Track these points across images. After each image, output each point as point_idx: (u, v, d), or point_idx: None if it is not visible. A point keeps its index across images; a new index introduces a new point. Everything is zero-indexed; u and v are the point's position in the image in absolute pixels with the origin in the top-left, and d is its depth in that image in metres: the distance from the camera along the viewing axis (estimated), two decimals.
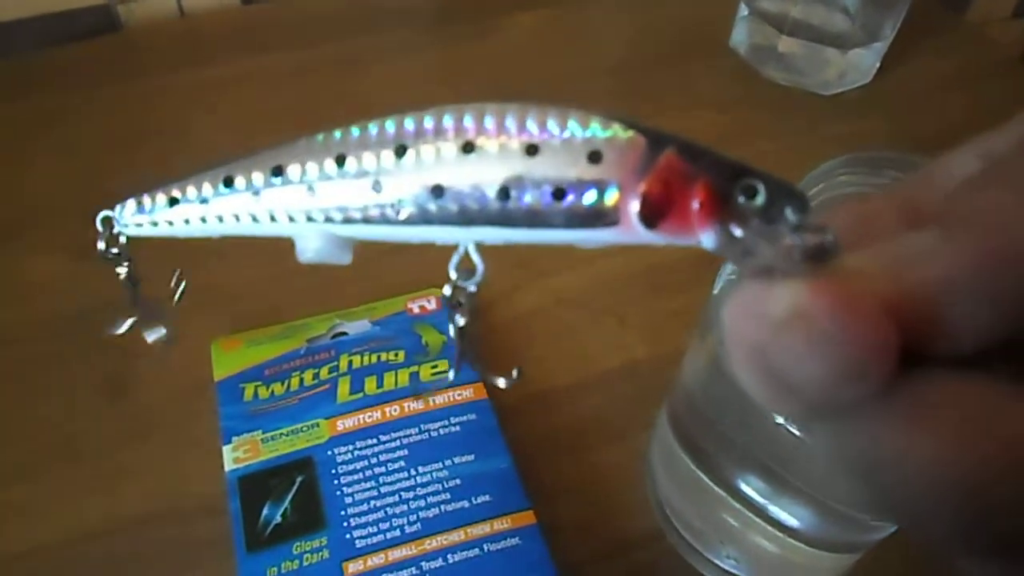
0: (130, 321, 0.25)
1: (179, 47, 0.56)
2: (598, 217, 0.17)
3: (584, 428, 0.38)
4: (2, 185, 0.47)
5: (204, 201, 0.21)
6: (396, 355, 0.38)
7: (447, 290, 0.19)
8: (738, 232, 0.16)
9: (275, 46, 0.55)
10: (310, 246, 0.20)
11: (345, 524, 0.33)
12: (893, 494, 0.14)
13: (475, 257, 0.18)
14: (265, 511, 0.33)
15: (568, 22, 0.60)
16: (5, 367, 0.39)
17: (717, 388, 0.30)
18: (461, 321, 0.21)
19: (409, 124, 0.18)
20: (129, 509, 0.35)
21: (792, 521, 0.30)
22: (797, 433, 0.26)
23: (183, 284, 0.26)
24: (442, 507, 0.33)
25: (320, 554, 0.32)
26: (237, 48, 0.55)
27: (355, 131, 0.19)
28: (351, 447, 0.35)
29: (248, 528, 0.32)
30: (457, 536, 0.32)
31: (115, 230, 0.22)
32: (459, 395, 0.37)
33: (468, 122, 0.17)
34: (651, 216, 0.16)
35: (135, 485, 0.35)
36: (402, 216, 0.18)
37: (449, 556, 0.32)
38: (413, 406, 0.36)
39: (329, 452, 0.35)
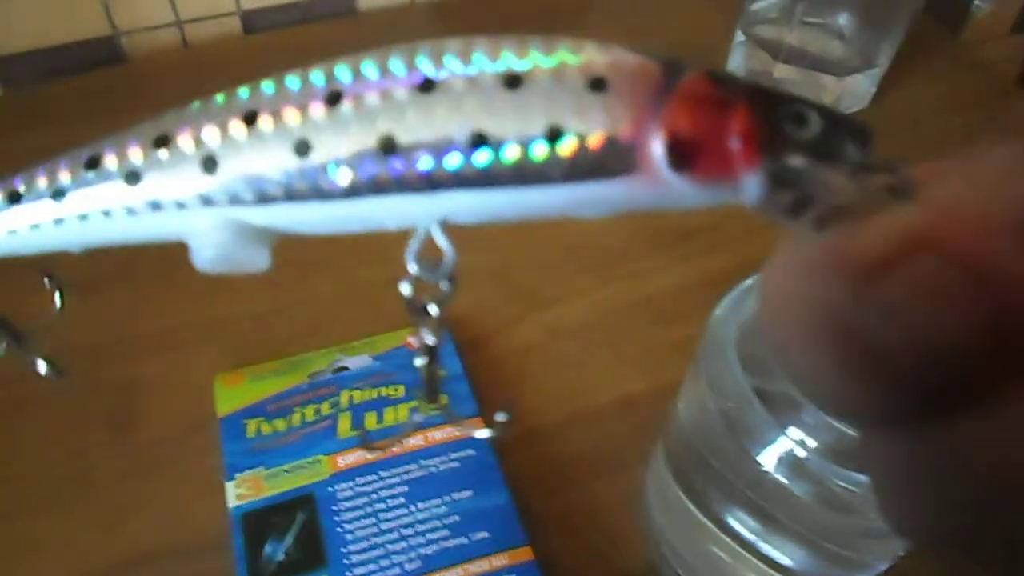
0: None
1: (182, 78, 0.56)
2: (609, 162, 0.12)
3: (581, 462, 0.38)
4: None
5: (59, 194, 0.15)
6: (396, 390, 0.39)
7: (405, 288, 0.14)
8: (797, 162, 0.12)
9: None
10: (208, 242, 0.14)
11: (346, 561, 0.33)
12: (983, 512, 0.10)
13: (440, 240, 0.14)
14: (267, 549, 0.33)
15: None
16: (8, 404, 0.39)
17: (708, 424, 0.31)
18: (430, 339, 0.16)
19: (343, 72, 0.14)
20: (133, 545, 0.35)
21: (784, 559, 0.30)
22: (784, 481, 0.26)
23: (59, 292, 0.21)
24: (441, 543, 0.34)
25: None
26: (240, 78, 0.55)
27: (268, 86, 0.14)
28: (352, 483, 0.35)
29: (251, 566, 0.33)
30: (456, 573, 0.33)
31: None
32: (457, 431, 0.37)
33: (423, 62, 0.13)
34: (680, 153, 0.12)
35: (139, 521, 0.36)
36: (340, 183, 0.13)
37: None
38: (413, 442, 0.37)
39: (330, 488, 0.35)
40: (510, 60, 0.13)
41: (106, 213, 0.15)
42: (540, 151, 0.12)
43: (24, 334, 0.19)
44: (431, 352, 0.16)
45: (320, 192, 0.14)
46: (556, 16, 0.63)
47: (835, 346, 0.10)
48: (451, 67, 0.13)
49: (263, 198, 0.14)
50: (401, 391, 0.39)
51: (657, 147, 0.12)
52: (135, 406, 0.39)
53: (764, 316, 0.11)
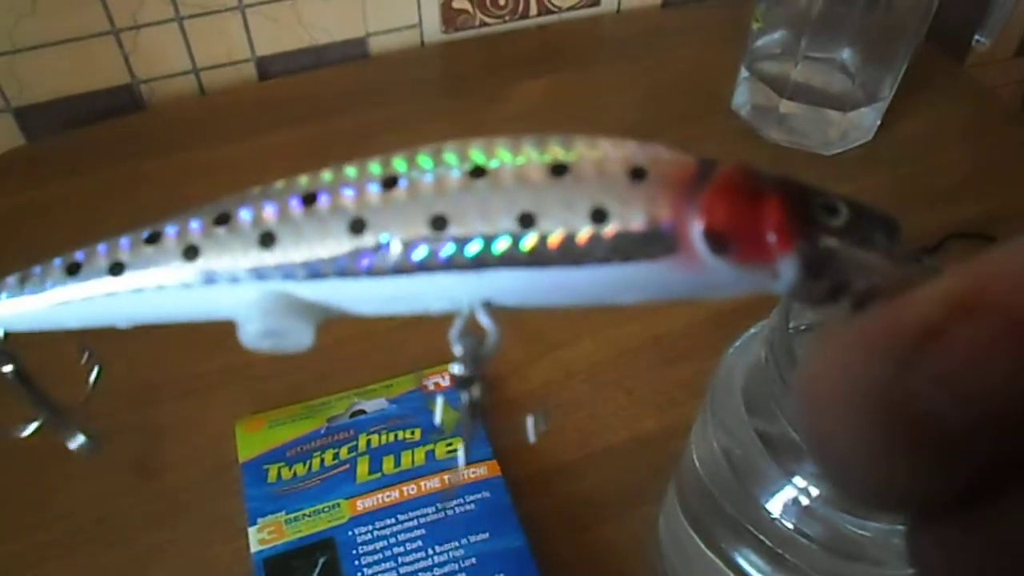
0: (35, 424, 0.21)
1: (200, 125, 0.58)
2: (651, 244, 0.13)
3: (595, 502, 0.39)
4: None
5: (117, 268, 0.16)
6: (412, 433, 0.39)
7: (456, 368, 0.15)
8: (831, 243, 0.12)
9: (291, 121, 0.57)
10: (256, 315, 0.15)
11: None
12: None
13: (484, 319, 0.15)
14: None
15: (574, 89, 0.61)
16: (34, 450, 0.40)
17: (717, 465, 0.31)
18: (477, 392, 0.17)
19: (399, 163, 0.15)
20: None
21: None
22: (790, 526, 0.27)
23: (97, 368, 0.21)
24: None
25: None
26: (256, 124, 0.57)
27: (327, 174, 0.15)
28: (371, 527, 0.36)
29: None
30: None
31: None
32: (473, 473, 0.38)
33: (476, 152, 0.14)
34: (719, 237, 0.13)
35: (164, 567, 0.37)
36: (390, 261, 0.14)
37: None
38: (429, 485, 0.37)
39: (350, 532, 0.36)
40: (556, 152, 0.14)
41: (160, 287, 0.15)
42: (584, 231, 0.13)
43: (62, 409, 0.19)
44: (473, 409, 0.17)
45: (371, 270, 0.14)
46: (564, 55, 0.64)
47: (885, 423, 0.09)
48: (501, 157, 0.14)
49: (315, 273, 0.14)
50: (417, 434, 0.39)
51: (697, 231, 0.13)
52: (158, 452, 0.40)
53: (803, 407, 0.10)
